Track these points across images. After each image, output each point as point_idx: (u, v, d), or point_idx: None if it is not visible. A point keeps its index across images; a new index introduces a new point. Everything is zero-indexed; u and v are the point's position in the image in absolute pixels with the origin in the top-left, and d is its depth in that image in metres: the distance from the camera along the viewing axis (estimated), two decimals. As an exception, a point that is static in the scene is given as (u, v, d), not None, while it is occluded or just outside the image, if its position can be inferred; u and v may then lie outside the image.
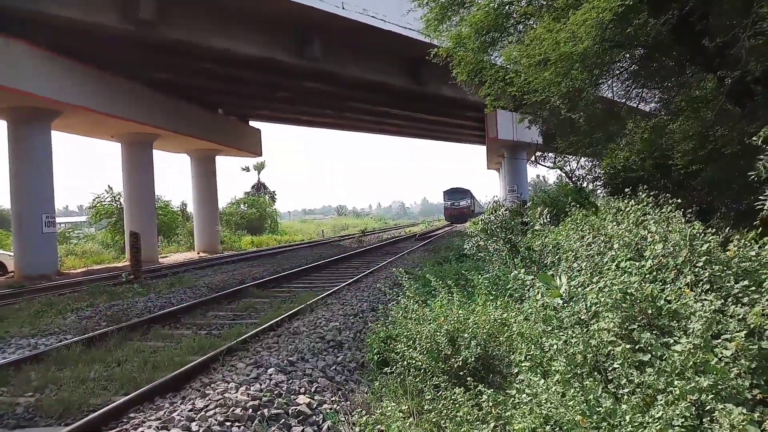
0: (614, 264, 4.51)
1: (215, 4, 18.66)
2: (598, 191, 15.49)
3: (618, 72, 10.93)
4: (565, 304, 4.27)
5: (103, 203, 33.79)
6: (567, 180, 19.26)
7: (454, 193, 64.46)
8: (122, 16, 17.17)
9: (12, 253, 19.88)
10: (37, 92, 17.55)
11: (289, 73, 23.16)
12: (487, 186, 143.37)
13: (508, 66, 9.31)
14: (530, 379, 3.65)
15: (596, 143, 13.23)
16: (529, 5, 8.62)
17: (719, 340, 3.13)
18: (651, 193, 5.68)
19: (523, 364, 3.93)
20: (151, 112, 23.64)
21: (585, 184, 17.51)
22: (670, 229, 4.46)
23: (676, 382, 2.97)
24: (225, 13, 19.03)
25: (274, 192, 57.44)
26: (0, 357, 7.05)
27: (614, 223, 5.21)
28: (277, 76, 23.83)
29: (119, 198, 31.18)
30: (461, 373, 4.62)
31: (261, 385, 5.17)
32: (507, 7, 8.85)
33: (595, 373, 3.61)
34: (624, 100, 12.54)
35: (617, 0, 6.64)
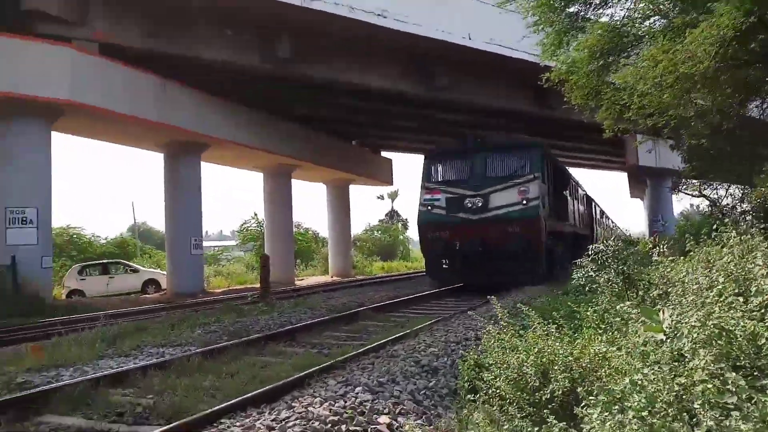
0: (719, 299, 4.13)
1: (344, 42, 19.75)
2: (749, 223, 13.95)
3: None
4: (667, 340, 3.98)
5: (249, 228, 36.70)
6: (714, 209, 17.63)
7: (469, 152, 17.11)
8: (262, 56, 18.75)
9: (165, 272, 22.18)
10: (189, 128, 19.61)
11: (416, 103, 23.77)
12: (635, 216, 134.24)
13: (624, 88, 8.88)
14: (605, 417, 3.43)
15: (741, 170, 12.09)
16: (644, 26, 8.19)
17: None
18: None
19: (599, 399, 3.71)
20: (290, 144, 25.30)
21: (733, 215, 15.92)
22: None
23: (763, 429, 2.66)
24: (354, 48, 20.06)
25: (406, 219, 58.61)
26: (132, 362, 7.89)
27: (722, 256, 4.76)
28: (406, 107, 24.53)
29: (263, 223, 33.66)
30: (550, 406, 4.43)
31: (345, 402, 5.31)
32: (621, 29, 8.47)
33: (684, 414, 3.32)
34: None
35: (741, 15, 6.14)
